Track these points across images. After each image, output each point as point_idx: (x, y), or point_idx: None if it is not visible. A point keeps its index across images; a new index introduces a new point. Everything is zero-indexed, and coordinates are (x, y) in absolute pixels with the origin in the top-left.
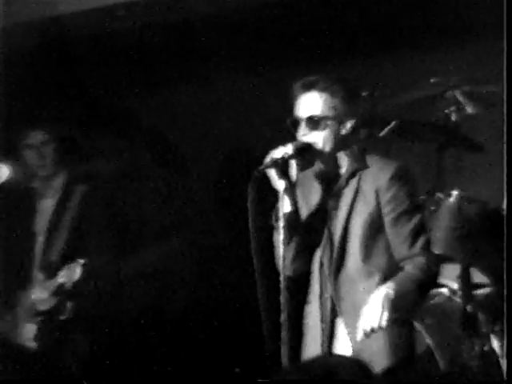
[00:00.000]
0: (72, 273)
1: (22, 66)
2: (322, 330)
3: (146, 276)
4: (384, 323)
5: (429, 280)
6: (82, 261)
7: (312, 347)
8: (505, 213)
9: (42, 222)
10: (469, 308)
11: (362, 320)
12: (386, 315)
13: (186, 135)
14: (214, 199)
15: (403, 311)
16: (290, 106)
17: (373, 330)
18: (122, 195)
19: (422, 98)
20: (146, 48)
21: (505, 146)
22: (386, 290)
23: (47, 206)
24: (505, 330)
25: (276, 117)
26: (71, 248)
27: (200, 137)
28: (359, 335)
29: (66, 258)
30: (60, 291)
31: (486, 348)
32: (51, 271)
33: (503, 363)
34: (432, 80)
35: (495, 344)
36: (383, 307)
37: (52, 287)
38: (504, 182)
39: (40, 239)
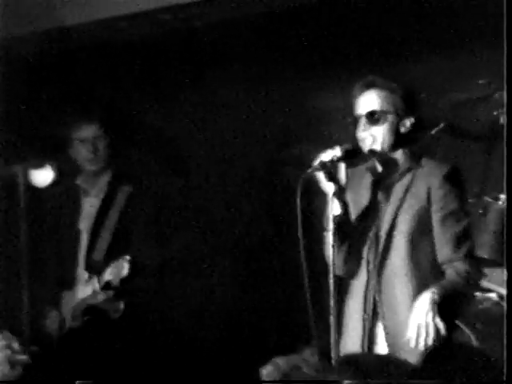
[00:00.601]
0: (120, 269)
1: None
2: (363, 330)
3: (190, 274)
4: (443, 332)
5: (468, 288)
6: (128, 257)
7: (349, 347)
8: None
9: (86, 221)
10: None
11: (419, 336)
12: (440, 323)
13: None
14: (261, 200)
15: (449, 315)
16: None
17: (435, 344)
18: (167, 194)
19: (471, 99)
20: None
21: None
22: (431, 293)
23: (92, 204)
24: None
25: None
26: (115, 248)
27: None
28: (420, 349)
29: (110, 258)
30: (107, 288)
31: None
32: (96, 270)
33: None
34: (480, 81)
35: None
36: (433, 313)
37: (98, 285)
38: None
39: (84, 238)
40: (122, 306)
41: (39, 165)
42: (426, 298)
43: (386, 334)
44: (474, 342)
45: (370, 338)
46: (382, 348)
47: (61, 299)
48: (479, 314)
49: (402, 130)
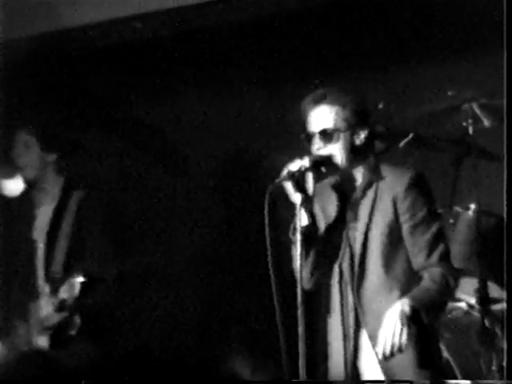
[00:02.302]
0: (72, 289)
1: (23, 78)
2: (345, 342)
3: (151, 280)
4: (404, 342)
5: (446, 293)
6: (80, 276)
7: (335, 358)
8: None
9: (41, 231)
10: (487, 322)
11: (381, 343)
12: (404, 334)
13: (191, 143)
14: (226, 209)
15: (421, 325)
16: (301, 120)
17: (392, 354)
18: (121, 198)
19: (440, 110)
20: (148, 57)
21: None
22: (401, 306)
23: (45, 212)
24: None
25: (284, 128)
26: (72, 257)
27: (204, 144)
28: (379, 356)
29: (69, 267)
30: (63, 306)
31: (504, 363)
32: (56, 283)
33: None
34: (449, 93)
35: None
36: (402, 324)
37: (56, 302)
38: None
39: (41, 247)
40: (78, 321)
41: (10, 174)
42: (395, 310)
43: (372, 342)
44: (443, 351)
45: (354, 350)
46: (368, 357)
47: (28, 311)
48: (448, 323)
49: (357, 142)
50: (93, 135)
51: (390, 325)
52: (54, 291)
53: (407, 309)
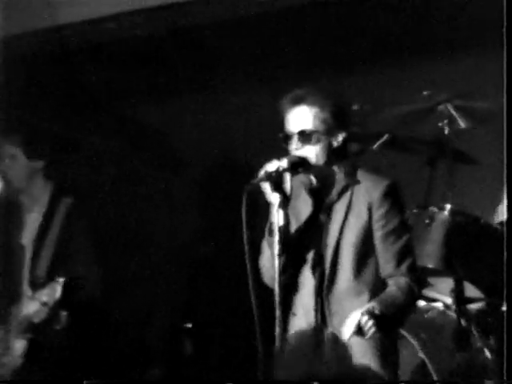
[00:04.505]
0: (53, 292)
1: (22, 74)
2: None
3: (134, 285)
4: (371, 332)
5: (410, 302)
6: (61, 279)
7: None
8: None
9: (29, 236)
10: (462, 322)
11: (348, 325)
12: (372, 328)
13: (182, 144)
14: (207, 209)
15: (385, 330)
16: (280, 120)
17: (357, 331)
18: (108, 206)
19: (415, 111)
20: (137, 55)
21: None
22: (371, 307)
23: (34, 219)
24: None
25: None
26: (57, 262)
27: (194, 145)
28: (345, 335)
29: (53, 273)
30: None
31: (479, 362)
32: (39, 286)
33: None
34: (425, 93)
35: (489, 357)
36: (369, 319)
37: (40, 301)
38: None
39: (28, 253)
40: (64, 316)
41: None
42: (354, 317)
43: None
44: (419, 351)
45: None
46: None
47: (9, 315)
48: (424, 323)
49: (335, 144)
50: (86, 136)
51: (364, 316)
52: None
53: (376, 312)
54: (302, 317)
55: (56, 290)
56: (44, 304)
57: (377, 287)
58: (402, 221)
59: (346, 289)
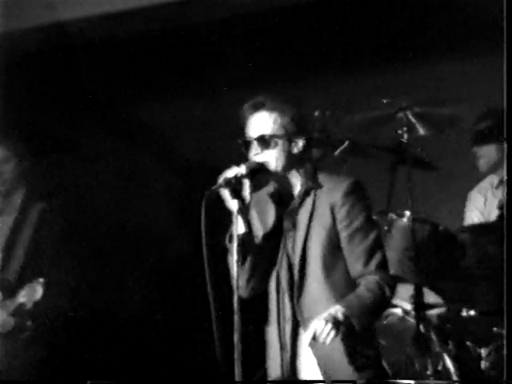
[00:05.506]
0: (33, 292)
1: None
2: (282, 350)
3: (102, 286)
4: (328, 340)
5: (381, 301)
6: (42, 280)
7: (272, 367)
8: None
9: (1, 238)
10: (421, 328)
11: (309, 332)
12: (331, 334)
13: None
14: (175, 214)
15: (353, 331)
16: (241, 127)
17: (314, 338)
18: (81, 211)
19: (375, 118)
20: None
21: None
22: (333, 311)
23: (5, 223)
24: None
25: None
26: (28, 267)
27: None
28: (306, 343)
29: (24, 277)
30: (19, 311)
31: (439, 367)
32: (9, 290)
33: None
34: (384, 101)
35: (448, 363)
36: (330, 327)
37: (11, 307)
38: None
39: None
40: (30, 323)
41: None
42: (313, 324)
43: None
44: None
45: (292, 357)
46: (307, 363)
47: None
48: (383, 329)
49: (295, 150)
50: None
51: (320, 323)
52: (9, 297)
53: (339, 315)
54: (274, 325)
55: (36, 290)
56: (20, 306)
57: (348, 289)
58: (368, 218)
59: (317, 294)
